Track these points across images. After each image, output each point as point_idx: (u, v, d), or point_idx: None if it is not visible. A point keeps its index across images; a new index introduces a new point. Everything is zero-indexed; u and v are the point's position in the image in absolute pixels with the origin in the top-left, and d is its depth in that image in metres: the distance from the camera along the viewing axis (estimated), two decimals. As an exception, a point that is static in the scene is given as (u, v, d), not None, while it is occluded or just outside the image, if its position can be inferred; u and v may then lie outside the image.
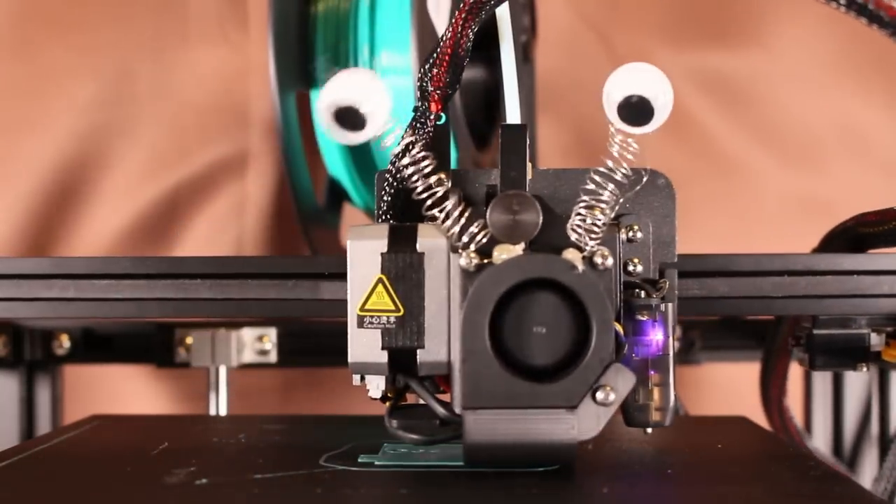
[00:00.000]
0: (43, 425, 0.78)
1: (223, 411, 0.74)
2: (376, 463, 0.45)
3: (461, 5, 0.45)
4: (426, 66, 0.46)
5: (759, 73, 0.93)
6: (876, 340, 0.51)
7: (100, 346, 0.77)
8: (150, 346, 0.75)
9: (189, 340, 0.74)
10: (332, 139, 0.41)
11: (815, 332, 0.51)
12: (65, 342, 0.76)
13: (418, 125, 0.46)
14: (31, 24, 0.92)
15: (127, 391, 0.91)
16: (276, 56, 0.67)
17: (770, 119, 0.93)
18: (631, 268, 0.45)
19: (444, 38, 0.45)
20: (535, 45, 0.85)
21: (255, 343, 0.74)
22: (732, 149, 0.93)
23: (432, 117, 0.46)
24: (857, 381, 0.77)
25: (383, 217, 0.46)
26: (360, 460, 0.46)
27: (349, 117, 0.40)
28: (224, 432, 0.55)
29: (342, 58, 0.67)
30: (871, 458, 0.76)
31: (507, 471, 0.44)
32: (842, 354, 0.51)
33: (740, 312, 0.50)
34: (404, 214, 0.45)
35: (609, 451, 0.50)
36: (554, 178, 0.46)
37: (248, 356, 0.74)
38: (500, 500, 0.40)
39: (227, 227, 0.92)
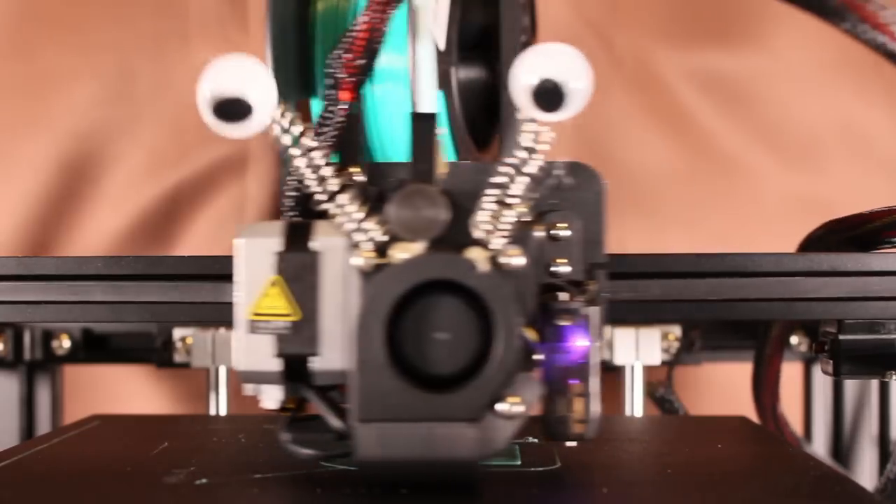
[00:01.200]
0: (43, 425, 0.78)
1: (223, 411, 0.74)
2: (376, 463, 0.45)
3: None
4: (337, 52, 0.43)
5: (759, 73, 0.93)
6: None
7: (100, 346, 0.77)
8: (150, 346, 0.75)
9: (189, 340, 0.74)
10: (214, 132, 0.37)
11: (841, 337, 0.48)
12: (65, 342, 0.76)
13: (327, 115, 0.43)
14: (31, 24, 0.92)
15: (127, 391, 0.91)
16: (274, 58, 0.67)
17: (770, 119, 0.93)
18: (556, 268, 0.43)
19: (359, 23, 0.42)
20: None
21: (255, 343, 0.74)
22: (732, 149, 0.93)
23: (343, 106, 0.43)
24: (858, 380, 0.77)
25: (288, 215, 0.43)
26: (360, 460, 0.46)
27: (232, 109, 0.37)
28: (224, 432, 0.55)
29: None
30: (871, 458, 0.76)
31: (506, 471, 0.44)
32: (869, 362, 0.48)
33: (754, 316, 0.47)
34: (314, 212, 0.41)
35: (609, 451, 0.50)
36: (474, 172, 0.43)
37: (248, 356, 0.74)
38: (500, 499, 0.40)
39: (227, 226, 0.92)
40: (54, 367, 0.79)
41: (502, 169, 0.38)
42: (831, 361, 0.49)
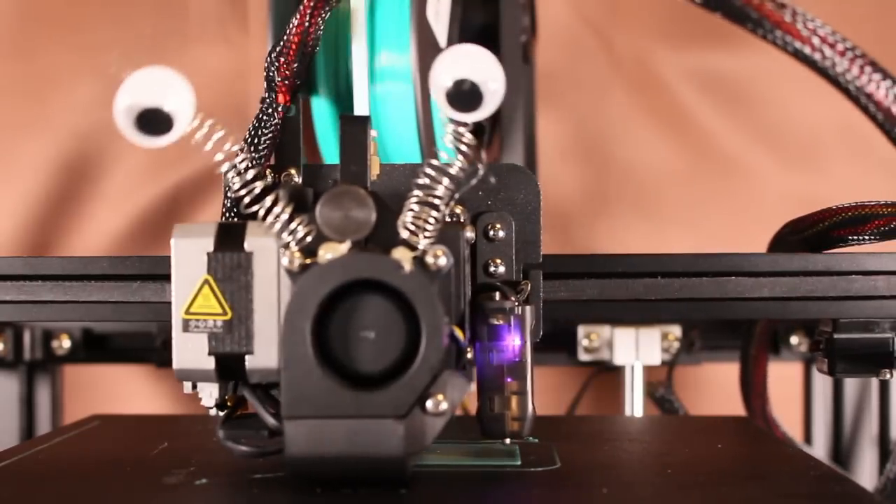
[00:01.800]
0: (43, 425, 0.78)
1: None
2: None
3: None
4: (272, 56, 0.43)
5: (759, 73, 0.93)
6: None
7: (100, 346, 0.77)
8: (150, 346, 0.75)
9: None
10: (134, 143, 0.38)
11: (836, 336, 0.48)
12: (65, 342, 0.76)
13: (265, 118, 0.44)
14: (32, 24, 0.92)
15: (127, 391, 0.91)
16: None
17: (770, 119, 0.93)
18: (492, 269, 0.44)
19: (291, 27, 0.43)
20: (535, 45, 0.85)
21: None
22: (732, 149, 0.93)
23: (280, 109, 0.44)
24: (858, 381, 0.77)
25: (227, 216, 0.44)
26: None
27: (152, 119, 0.37)
28: (224, 432, 0.55)
29: (341, 59, 0.67)
30: (871, 459, 0.76)
31: (506, 471, 0.44)
32: (864, 360, 0.48)
33: (736, 315, 0.48)
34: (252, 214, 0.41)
35: (609, 451, 0.50)
36: (411, 174, 0.44)
37: (248, 356, 0.74)
38: (499, 499, 0.40)
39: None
40: (54, 367, 0.79)
41: (427, 170, 0.39)
42: (826, 360, 0.49)
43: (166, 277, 0.46)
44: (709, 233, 0.92)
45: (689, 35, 0.93)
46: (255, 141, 0.44)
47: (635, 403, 0.74)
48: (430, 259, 0.38)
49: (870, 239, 0.48)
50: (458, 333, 0.40)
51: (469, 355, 0.41)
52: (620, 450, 0.50)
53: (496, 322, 0.41)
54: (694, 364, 0.77)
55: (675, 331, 0.74)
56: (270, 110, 0.44)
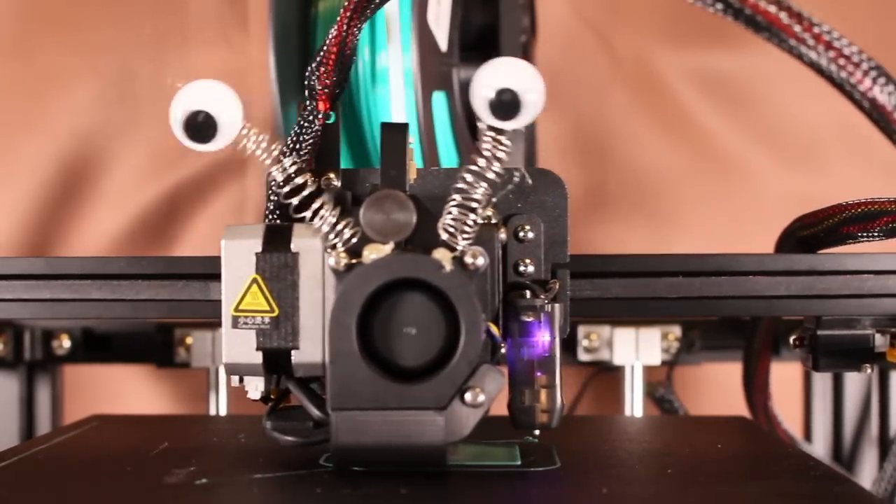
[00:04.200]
0: (43, 425, 0.78)
1: (223, 411, 0.74)
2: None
3: (346, 4, 0.44)
4: (313, 65, 0.45)
5: (759, 73, 0.93)
6: (880, 341, 0.49)
7: (100, 346, 0.77)
8: (150, 346, 0.75)
9: (189, 340, 0.74)
10: (187, 146, 0.40)
11: (819, 332, 0.50)
12: (65, 342, 0.76)
13: (306, 124, 0.45)
14: (32, 24, 0.92)
15: (127, 391, 0.91)
16: (276, 57, 0.67)
17: (770, 119, 0.93)
18: (522, 268, 0.45)
19: (330, 38, 0.45)
20: (535, 45, 0.85)
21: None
22: (732, 149, 0.93)
23: (321, 116, 0.46)
24: (858, 381, 0.77)
25: (270, 218, 0.45)
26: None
27: (202, 126, 0.40)
28: (224, 432, 0.55)
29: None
30: (871, 458, 0.76)
31: (505, 471, 0.44)
32: (846, 355, 0.50)
33: (743, 313, 0.49)
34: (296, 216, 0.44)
35: (609, 451, 0.50)
36: (442, 178, 0.46)
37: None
38: (499, 499, 0.40)
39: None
40: (54, 367, 0.79)
41: (465, 175, 0.41)
42: (810, 356, 0.51)
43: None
44: (708, 232, 0.92)
45: (689, 35, 0.93)
46: (297, 146, 0.45)
47: (635, 403, 0.74)
48: (468, 259, 0.41)
49: (879, 236, 0.49)
50: (494, 329, 0.42)
51: (503, 350, 0.43)
52: (620, 450, 0.50)
53: (527, 319, 0.43)
54: (694, 364, 0.77)
55: (675, 331, 0.74)
56: (311, 117, 0.46)
